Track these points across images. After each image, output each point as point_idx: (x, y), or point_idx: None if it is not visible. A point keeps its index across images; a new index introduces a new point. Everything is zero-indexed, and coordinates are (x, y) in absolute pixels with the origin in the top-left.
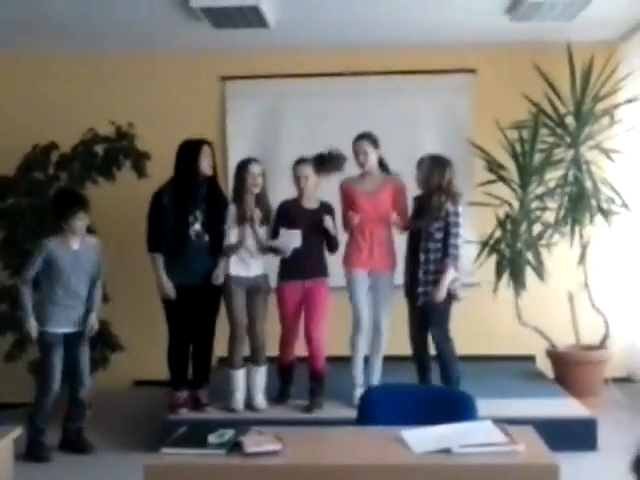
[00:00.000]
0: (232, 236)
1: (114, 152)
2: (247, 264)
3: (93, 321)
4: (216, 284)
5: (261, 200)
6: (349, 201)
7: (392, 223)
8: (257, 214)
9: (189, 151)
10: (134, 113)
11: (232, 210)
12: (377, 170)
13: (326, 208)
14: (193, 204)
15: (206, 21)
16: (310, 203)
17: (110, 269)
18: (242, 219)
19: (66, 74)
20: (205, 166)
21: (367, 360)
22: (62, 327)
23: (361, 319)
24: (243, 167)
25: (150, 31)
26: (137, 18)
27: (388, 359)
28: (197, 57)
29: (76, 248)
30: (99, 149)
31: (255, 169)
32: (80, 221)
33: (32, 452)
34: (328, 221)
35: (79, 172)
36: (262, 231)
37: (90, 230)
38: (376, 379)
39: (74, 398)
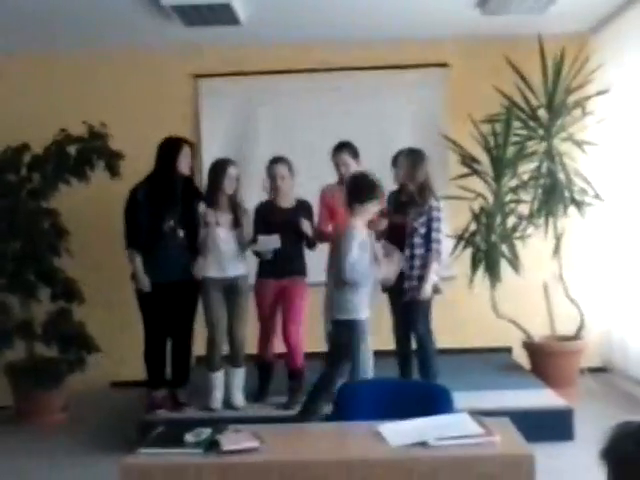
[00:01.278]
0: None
1: (87, 152)
2: (222, 265)
3: None
4: (197, 278)
5: (234, 202)
6: (329, 209)
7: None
8: (225, 218)
9: (169, 149)
10: (107, 113)
11: (202, 208)
12: None
13: (303, 206)
14: (168, 201)
15: (178, 19)
16: (286, 202)
17: (84, 269)
18: (213, 220)
19: (38, 74)
20: (183, 166)
21: None
22: None
23: None
24: (221, 169)
25: (122, 30)
26: (109, 17)
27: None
28: (169, 55)
29: None
30: (72, 150)
31: (233, 172)
32: None
33: None
34: (304, 224)
35: (52, 173)
36: (234, 233)
37: (65, 231)
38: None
39: None
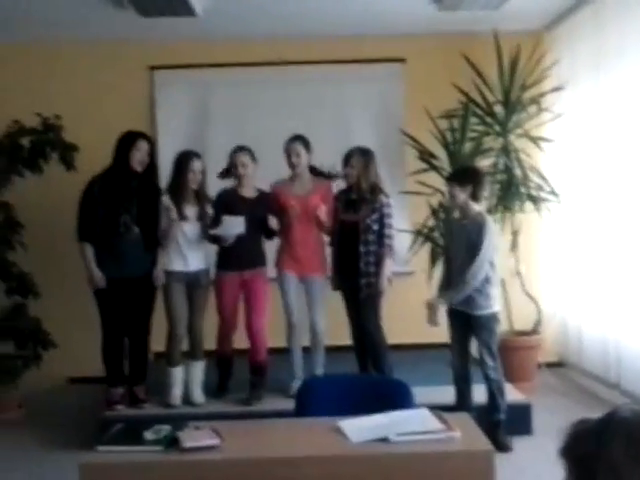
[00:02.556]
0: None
1: (40, 144)
2: (185, 258)
3: None
4: (157, 285)
5: (200, 195)
6: (279, 203)
7: (320, 217)
8: (191, 211)
9: (123, 143)
10: (61, 104)
11: (166, 202)
12: (307, 173)
13: (265, 197)
14: (123, 195)
15: (133, 9)
16: (248, 192)
17: (40, 264)
18: (177, 214)
19: None
20: (134, 161)
21: (308, 352)
22: None
23: (290, 319)
24: (185, 162)
25: (76, 19)
26: (63, 6)
27: (328, 349)
28: (125, 46)
29: None
30: (25, 141)
31: (197, 166)
32: None
33: None
34: (272, 221)
35: (5, 165)
36: (199, 226)
37: (19, 225)
38: (319, 372)
39: None
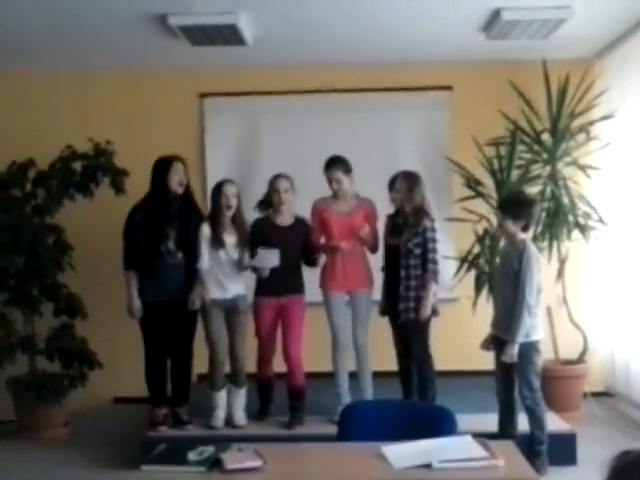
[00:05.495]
0: (204, 258)
1: (92, 169)
2: (223, 286)
3: None
4: (191, 308)
5: (237, 221)
6: (322, 221)
7: (362, 236)
8: (230, 238)
9: (159, 168)
10: (113, 130)
11: (205, 230)
12: (350, 192)
13: (301, 224)
14: (164, 221)
15: (184, 39)
16: (284, 219)
17: (88, 285)
18: (215, 242)
19: (45, 91)
20: (174, 182)
21: (356, 376)
22: None
23: (338, 338)
24: (217, 188)
25: (129, 48)
26: (116, 36)
27: (373, 375)
28: (175, 74)
29: None
30: (77, 166)
31: (229, 190)
32: None
33: None
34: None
35: (57, 189)
36: (238, 253)
37: (69, 247)
38: (369, 395)
39: None
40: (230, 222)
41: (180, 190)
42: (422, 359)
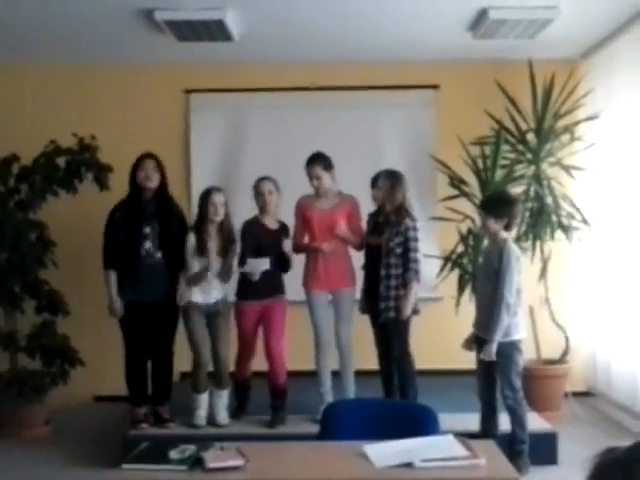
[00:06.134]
0: (194, 266)
1: (76, 164)
2: (206, 291)
3: None
4: (180, 304)
5: (224, 229)
6: (304, 219)
7: (338, 234)
8: (214, 245)
9: (133, 168)
10: (97, 126)
11: (191, 239)
12: (332, 189)
13: (284, 229)
14: (142, 220)
15: (170, 34)
16: (271, 222)
17: (70, 282)
18: (199, 249)
19: (28, 85)
20: (140, 179)
21: (339, 375)
22: None
23: (321, 337)
24: (205, 196)
25: (114, 43)
26: (102, 30)
27: (355, 374)
28: (161, 69)
29: None
30: (60, 161)
31: (217, 199)
32: None
33: None
34: (287, 246)
35: (40, 184)
36: (220, 261)
37: (51, 243)
38: (351, 394)
39: None
40: (217, 230)
41: (148, 185)
42: (402, 358)
